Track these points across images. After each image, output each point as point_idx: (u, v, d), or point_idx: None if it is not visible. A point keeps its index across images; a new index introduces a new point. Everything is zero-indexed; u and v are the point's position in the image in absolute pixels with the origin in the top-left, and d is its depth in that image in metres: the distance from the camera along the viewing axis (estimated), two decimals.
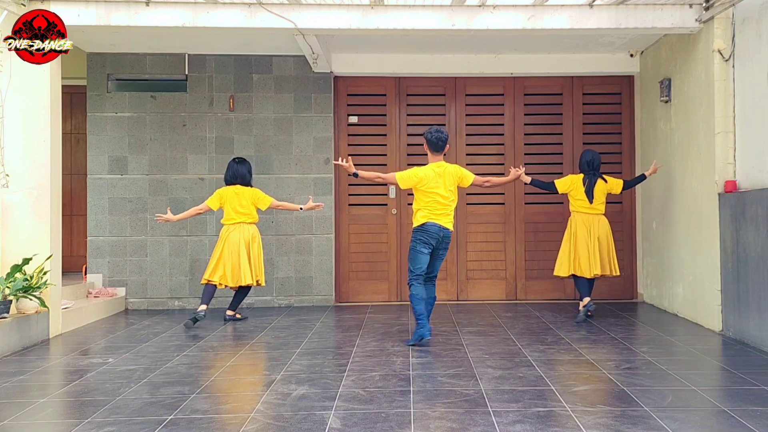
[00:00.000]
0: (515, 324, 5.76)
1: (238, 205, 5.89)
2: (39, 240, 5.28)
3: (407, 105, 7.26)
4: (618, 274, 6.00)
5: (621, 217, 7.15)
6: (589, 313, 6.00)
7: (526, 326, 5.64)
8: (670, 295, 6.29)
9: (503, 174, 6.97)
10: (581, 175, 5.89)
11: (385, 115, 7.24)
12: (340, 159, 5.15)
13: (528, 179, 5.78)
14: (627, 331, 5.40)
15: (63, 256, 5.77)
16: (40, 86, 5.33)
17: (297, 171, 7.04)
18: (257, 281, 5.95)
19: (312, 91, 7.06)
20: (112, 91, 7.02)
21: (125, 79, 7.06)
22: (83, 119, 7.28)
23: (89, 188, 6.96)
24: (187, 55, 7.02)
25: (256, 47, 6.83)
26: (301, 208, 5.99)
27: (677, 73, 6.08)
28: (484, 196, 7.07)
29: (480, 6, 5.42)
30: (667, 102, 6.29)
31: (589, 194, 5.80)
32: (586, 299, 5.74)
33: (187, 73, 7.04)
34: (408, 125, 7.23)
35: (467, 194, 6.96)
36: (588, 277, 5.80)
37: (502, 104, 7.29)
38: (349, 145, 7.22)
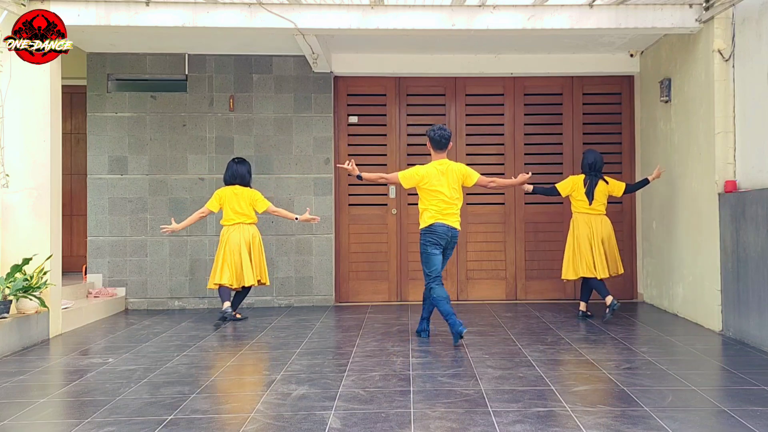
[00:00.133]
0: (515, 324, 5.76)
1: (237, 205, 5.88)
2: (39, 240, 5.28)
3: (407, 105, 7.26)
4: (622, 271, 5.98)
5: (621, 217, 7.14)
6: (588, 313, 6.01)
7: (526, 326, 5.64)
8: (670, 295, 6.29)
9: (503, 174, 7.00)
10: (582, 176, 5.88)
11: (385, 115, 7.24)
12: (346, 163, 5.13)
13: (530, 188, 5.75)
14: (627, 331, 5.40)
15: (63, 256, 5.77)
16: (40, 86, 5.33)
17: (297, 171, 7.04)
18: (259, 281, 5.95)
19: (312, 91, 7.06)
20: (112, 91, 7.02)
21: (125, 79, 7.06)
22: (83, 119, 7.28)
23: (89, 188, 6.96)
24: (187, 55, 7.02)
25: (256, 47, 6.83)
26: (297, 218, 5.96)
27: (677, 73, 6.08)
28: (484, 196, 7.07)
29: (480, 6, 5.42)
30: (667, 102, 6.30)
31: (590, 195, 5.79)
32: (609, 297, 5.67)
33: (187, 73, 7.04)
34: (408, 125, 7.23)
35: (467, 194, 6.94)
36: (591, 277, 5.77)
37: (502, 104, 7.29)
38: (349, 145, 7.22)
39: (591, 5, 5.42)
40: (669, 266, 6.30)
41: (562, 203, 7.00)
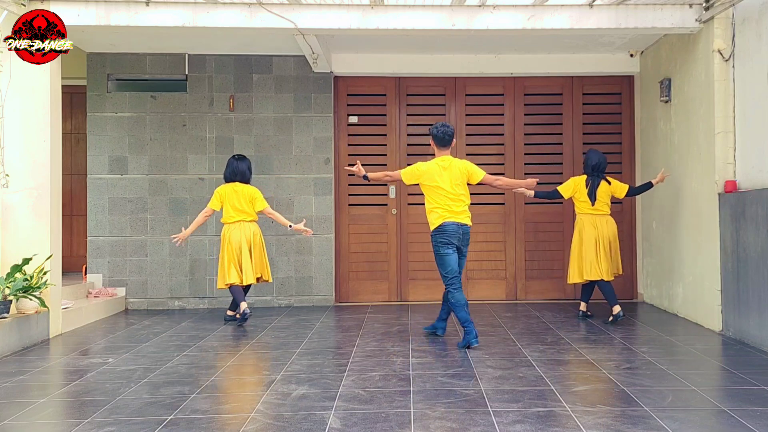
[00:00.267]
0: (515, 324, 5.76)
1: (237, 202, 5.85)
2: (39, 240, 5.28)
3: (407, 105, 7.26)
4: (621, 272, 5.95)
5: (621, 217, 7.14)
6: (588, 313, 6.00)
7: (526, 326, 5.64)
8: (670, 295, 6.29)
9: (503, 174, 6.99)
10: (584, 177, 5.84)
11: (385, 115, 7.24)
12: (354, 166, 5.13)
13: (531, 193, 5.65)
14: (627, 331, 5.40)
15: (63, 256, 5.77)
16: (40, 86, 5.33)
17: (297, 171, 7.04)
18: (258, 278, 5.92)
19: (312, 91, 7.06)
20: (112, 91, 7.02)
21: (125, 79, 7.06)
22: (83, 119, 7.28)
23: (89, 188, 6.97)
24: (187, 55, 7.03)
25: (256, 47, 6.83)
26: (290, 226, 5.88)
27: (677, 73, 6.08)
28: (484, 196, 7.07)
29: (480, 6, 5.42)
30: (667, 102, 6.30)
31: (592, 196, 5.74)
32: (617, 307, 5.60)
33: (187, 73, 7.04)
34: (408, 125, 7.23)
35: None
36: (598, 279, 5.68)
37: (502, 104, 7.29)
38: (349, 145, 7.22)
39: (591, 5, 5.42)
40: (669, 266, 6.30)
41: (562, 203, 7.01)
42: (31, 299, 5.03)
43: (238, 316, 6.02)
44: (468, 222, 4.88)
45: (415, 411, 3.25)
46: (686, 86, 5.87)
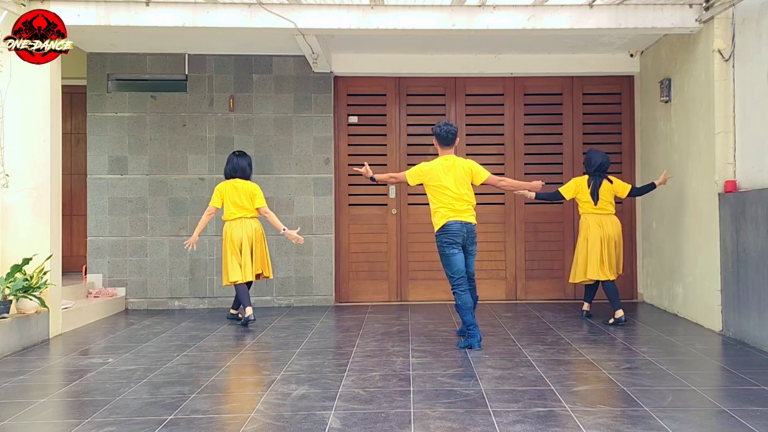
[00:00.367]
0: (515, 324, 5.75)
1: (237, 199, 5.80)
2: (39, 240, 5.28)
3: (407, 105, 7.26)
4: (621, 272, 5.91)
5: (621, 217, 7.08)
6: (590, 315, 5.99)
7: (526, 326, 5.64)
8: (670, 295, 6.29)
9: (503, 174, 6.98)
10: (585, 177, 5.78)
11: (385, 115, 7.24)
12: (364, 166, 5.15)
13: (533, 195, 5.53)
14: (627, 331, 5.40)
15: (63, 256, 5.77)
16: (40, 86, 5.33)
17: (297, 171, 7.04)
18: (258, 275, 5.89)
19: (312, 91, 7.06)
20: (112, 91, 7.02)
21: (125, 79, 7.06)
22: (83, 119, 7.28)
23: (89, 188, 6.97)
24: (187, 55, 7.03)
25: (256, 47, 6.83)
26: (283, 230, 5.83)
27: (677, 73, 6.08)
28: (484, 196, 7.05)
29: (480, 6, 5.42)
30: (667, 102, 6.30)
31: (594, 196, 5.67)
32: (620, 312, 5.56)
33: (187, 73, 7.04)
34: (408, 125, 7.23)
35: None
36: (603, 279, 5.62)
37: (502, 104, 7.29)
38: (349, 145, 7.22)
39: (591, 5, 5.42)
40: (669, 266, 6.30)
41: (562, 203, 7.01)
42: (31, 299, 5.03)
43: (240, 316, 6.02)
44: (472, 220, 4.83)
45: (415, 411, 3.25)
46: (686, 86, 5.87)
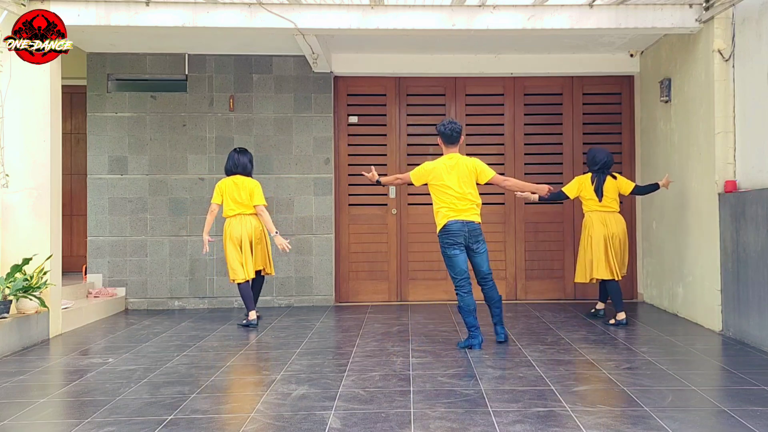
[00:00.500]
0: (515, 324, 5.75)
1: (237, 195, 5.76)
2: (39, 240, 5.28)
3: (407, 105, 7.26)
4: (625, 273, 5.83)
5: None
6: (599, 314, 5.98)
7: (526, 326, 5.63)
8: (670, 295, 6.29)
9: (503, 174, 6.97)
10: (588, 174, 5.73)
11: (385, 115, 7.24)
12: (371, 171, 5.16)
13: (536, 197, 5.49)
14: (627, 331, 5.40)
15: (63, 256, 5.77)
16: (40, 86, 5.33)
17: (297, 171, 7.04)
18: (258, 271, 5.88)
19: (312, 91, 7.06)
20: (112, 91, 7.02)
21: (125, 79, 7.06)
22: (83, 119, 7.28)
23: (89, 188, 6.97)
24: (187, 55, 7.03)
25: (256, 47, 6.83)
26: (276, 233, 5.78)
27: (677, 73, 6.08)
28: (484, 196, 7.01)
29: (480, 6, 5.42)
30: (667, 102, 6.30)
31: (598, 192, 5.61)
32: (622, 314, 5.54)
33: (187, 73, 7.04)
34: (408, 125, 7.23)
35: None
36: (608, 278, 5.58)
37: (502, 104, 7.29)
38: (349, 145, 7.22)
39: (591, 5, 5.42)
40: (669, 266, 6.30)
41: (561, 203, 7.01)
42: (31, 299, 5.03)
43: (244, 321, 5.99)
44: (474, 219, 4.74)
45: (415, 411, 3.25)
46: (686, 86, 5.87)
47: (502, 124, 7.27)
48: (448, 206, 4.73)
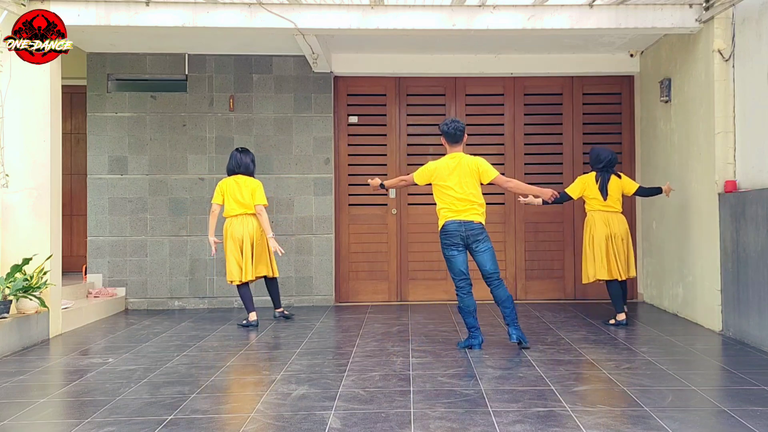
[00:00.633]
0: None
1: (239, 195, 5.73)
2: (39, 240, 5.28)
3: (407, 105, 7.26)
4: (634, 274, 5.73)
5: None
6: (624, 321, 5.91)
7: (526, 326, 5.63)
8: (670, 295, 6.29)
9: (503, 174, 6.96)
10: (592, 174, 5.67)
11: (385, 115, 7.24)
12: (373, 180, 5.17)
13: (539, 201, 5.36)
14: (627, 331, 5.39)
15: (63, 256, 5.77)
16: (40, 86, 5.33)
17: (297, 171, 7.04)
18: (257, 276, 5.88)
19: (312, 91, 7.06)
20: (112, 91, 7.02)
21: (125, 79, 7.06)
22: (83, 119, 7.28)
23: (89, 188, 6.97)
24: (187, 55, 7.03)
25: (256, 47, 6.83)
26: (271, 236, 5.75)
27: (677, 73, 6.08)
28: (484, 196, 7.05)
29: (480, 6, 5.42)
30: (667, 102, 6.30)
31: (603, 191, 5.56)
32: (621, 315, 5.51)
33: (187, 73, 7.04)
34: (408, 125, 7.23)
35: None
36: (612, 278, 5.52)
37: (502, 104, 7.29)
38: (349, 145, 7.22)
39: (591, 5, 5.42)
40: (669, 266, 6.29)
41: (561, 203, 6.99)
42: (31, 299, 5.03)
43: (286, 312, 5.95)
44: (474, 219, 4.67)
45: (415, 411, 3.25)
46: (686, 86, 5.87)
47: (502, 124, 7.27)
48: (447, 206, 4.71)
